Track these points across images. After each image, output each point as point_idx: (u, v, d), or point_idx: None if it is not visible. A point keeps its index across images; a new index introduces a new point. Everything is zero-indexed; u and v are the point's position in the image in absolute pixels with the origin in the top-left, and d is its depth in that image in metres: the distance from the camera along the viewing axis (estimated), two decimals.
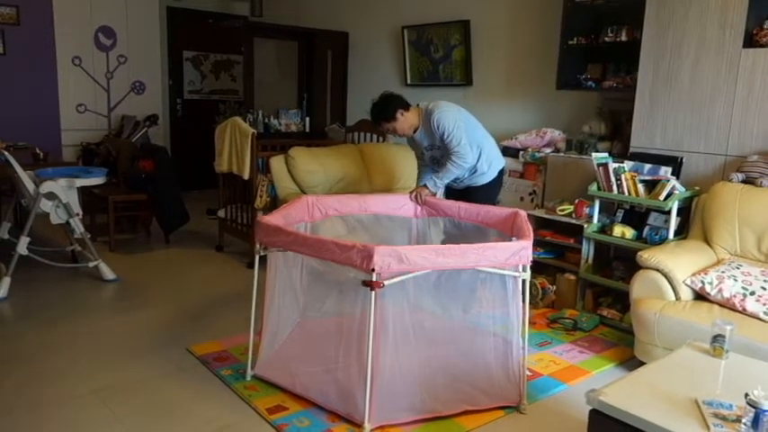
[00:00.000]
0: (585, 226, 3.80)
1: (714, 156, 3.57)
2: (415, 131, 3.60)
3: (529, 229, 2.76)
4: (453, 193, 3.80)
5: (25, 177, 4.10)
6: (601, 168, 3.72)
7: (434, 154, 3.62)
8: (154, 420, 2.58)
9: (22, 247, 4.05)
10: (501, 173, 3.77)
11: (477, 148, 3.56)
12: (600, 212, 3.83)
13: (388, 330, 2.47)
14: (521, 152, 4.55)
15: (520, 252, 2.55)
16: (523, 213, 2.97)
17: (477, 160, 3.57)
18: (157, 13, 7.32)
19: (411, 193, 3.55)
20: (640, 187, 3.60)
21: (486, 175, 3.65)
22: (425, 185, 3.54)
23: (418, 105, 3.62)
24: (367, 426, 2.45)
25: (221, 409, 2.67)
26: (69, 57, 6.75)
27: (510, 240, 2.84)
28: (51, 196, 4.12)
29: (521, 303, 2.64)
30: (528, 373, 2.90)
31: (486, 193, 3.65)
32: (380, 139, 5.64)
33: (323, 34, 6.70)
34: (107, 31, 6.99)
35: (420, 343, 2.63)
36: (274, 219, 2.77)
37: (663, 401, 1.85)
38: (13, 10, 6.30)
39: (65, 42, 6.68)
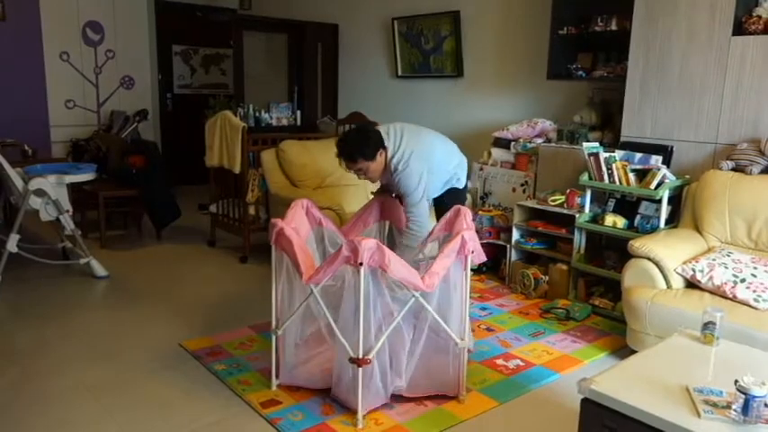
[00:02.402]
0: (577, 216, 3.81)
1: (704, 144, 3.58)
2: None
3: (466, 221, 2.78)
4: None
5: (14, 174, 4.07)
6: (592, 158, 3.72)
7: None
8: (146, 416, 2.57)
9: (12, 244, 4.02)
10: (467, 177, 3.58)
11: (454, 168, 3.33)
12: (591, 202, 3.84)
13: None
14: (512, 143, 4.54)
15: (464, 246, 2.59)
16: (464, 209, 2.90)
17: (455, 171, 3.35)
18: (145, 7, 7.27)
19: None
20: (631, 176, 3.61)
21: (462, 180, 3.44)
22: None
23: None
24: (360, 415, 2.47)
25: (214, 404, 2.67)
26: (57, 52, 6.70)
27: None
28: (41, 193, 4.09)
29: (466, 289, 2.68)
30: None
31: (462, 194, 3.47)
32: None
33: (313, 27, 6.66)
34: (95, 26, 6.94)
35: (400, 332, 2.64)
36: (288, 231, 2.62)
37: (654, 389, 1.86)
38: None
39: (52, 37, 6.62)
